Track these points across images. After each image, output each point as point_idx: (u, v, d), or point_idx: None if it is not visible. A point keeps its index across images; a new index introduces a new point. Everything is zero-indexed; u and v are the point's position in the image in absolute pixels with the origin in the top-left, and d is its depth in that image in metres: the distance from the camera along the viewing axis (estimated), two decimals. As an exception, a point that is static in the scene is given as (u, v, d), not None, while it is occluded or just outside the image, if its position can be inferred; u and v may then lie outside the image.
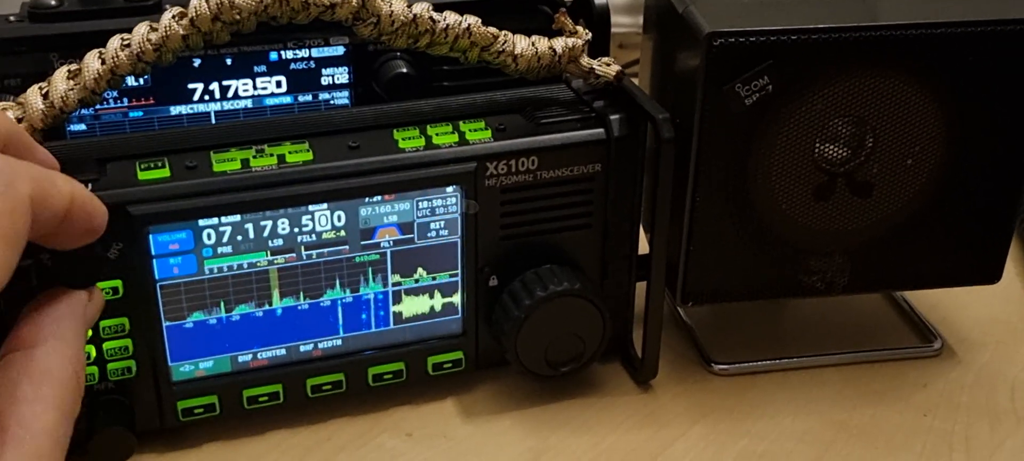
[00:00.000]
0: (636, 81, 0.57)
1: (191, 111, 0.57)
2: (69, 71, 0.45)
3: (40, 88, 0.44)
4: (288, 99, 0.59)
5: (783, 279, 0.54)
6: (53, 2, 0.54)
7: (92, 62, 0.44)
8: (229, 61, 0.57)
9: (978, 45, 0.49)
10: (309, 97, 0.59)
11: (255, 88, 0.58)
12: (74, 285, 0.45)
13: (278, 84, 0.58)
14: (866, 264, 0.54)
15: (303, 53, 0.58)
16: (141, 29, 0.45)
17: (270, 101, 0.58)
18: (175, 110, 0.57)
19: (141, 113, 0.56)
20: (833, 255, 0.53)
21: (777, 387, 0.55)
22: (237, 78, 0.57)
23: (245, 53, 0.57)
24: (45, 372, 0.35)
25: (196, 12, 0.45)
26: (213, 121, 0.58)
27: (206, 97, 0.57)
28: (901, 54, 0.49)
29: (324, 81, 0.59)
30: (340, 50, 0.58)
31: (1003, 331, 0.60)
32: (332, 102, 0.59)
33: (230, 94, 0.57)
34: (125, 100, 0.56)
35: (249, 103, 0.58)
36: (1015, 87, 0.50)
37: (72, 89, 0.44)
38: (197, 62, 0.56)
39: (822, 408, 0.54)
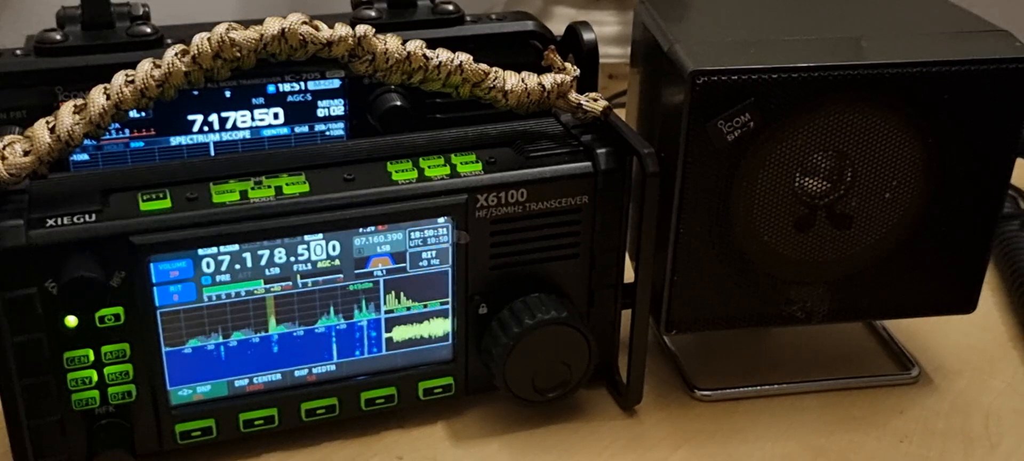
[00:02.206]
0: (623, 112, 0.59)
1: (191, 142, 0.59)
2: (75, 106, 0.46)
3: (47, 122, 0.46)
4: (285, 130, 0.60)
5: (765, 308, 0.55)
6: (58, 37, 0.55)
7: (98, 97, 0.46)
8: (228, 93, 0.58)
9: (954, 83, 0.51)
10: (305, 128, 0.61)
11: (253, 120, 0.59)
12: (78, 312, 0.46)
13: (275, 116, 0.60)
14: (845, 294, 0.55)
15: (300, 86, 0.60)
16: (145, 65, 0.46)
17: (267, 132, 0.60)
18: (175, 141, 0.59)
19: (142, 143, 0.58)
20: (813, 285, 0.55)
21: (758, 413, 0.57)
22: (235, 110, 0.59)
23: (243, 86, 0.59)
24: None
25: (198, 49, 0.46)
26: (212, 152, 0.59)
27: (205, 128, 0.59)
28: (879, 91, 0.50)
29: (320, 113, 0.60)
30: (336, 83, 0.60)
31: (979, 359, 0.61)
32: (328, 133, 0.61)
33: (229, 125, 0.59)
34: (127, 131, 0.58)
35: (247, 134, 0.60)
36: (989, 123, 0.52)
37: (78, 124, 0.46)
38: (197, 94, 0.58)
39: (802, 433, 0.55)
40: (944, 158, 0.53)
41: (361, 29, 0.48)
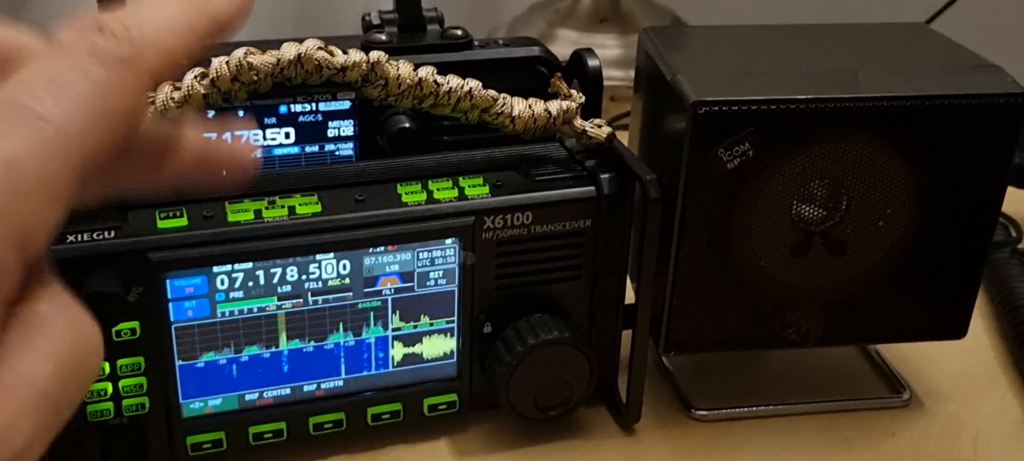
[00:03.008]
0: (625, 135, 0.61)
1: (204, 159, 0.60)
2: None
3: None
4: (295, 150, 0.62)
5: (761, 331, 0.57)
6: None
7: (118, 118, 0.47)
8: (240, 113, 0.60)
9: (946, 116, 0.52)
10: (316, 148, 0.62)
11: (264, 139, 0.61)
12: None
13: (286, 135, 0.61)
14: (840, 318, 0.57)
15: (311, 106, 0.61)
16: (165, 88, 0.48)
17: (278, 151, 0.61)
18: (189, 158, 0.60)
19: (156, 160, 0.59)
20: (809, 309, 0.57)
21: (754, 433, 0.58)
22: (248, 129, 0.60)
23: (256, 105, 0.60)
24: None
25: (217, 73, 0.48)
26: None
27: (218, 146, 0.60)
28: (874, 123, 0.52)
29: (330, 133, 0.62)
30: (346, 104, 0.62)
31: (969, 383, 0.63)
32: (337, 153, 0.62)
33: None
34: (142, 148, 0.59)
35: (259, 153, 0.61)
36: (980, 155, 0.53)
37: (99, 143, 0.47)
38: (211, 114, 0.59)
39: (796, 454, 0.57)
40: (936, 188, 0.54)
41: (374, 55, 0.50)
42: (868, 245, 0.55)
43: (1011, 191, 0.68)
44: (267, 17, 0.98)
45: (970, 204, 0.55)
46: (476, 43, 0.64)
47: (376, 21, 0.64)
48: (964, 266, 0.57)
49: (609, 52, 0.97)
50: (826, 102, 0.51)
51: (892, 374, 0.63)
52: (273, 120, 0.61)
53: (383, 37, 0.62)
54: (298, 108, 0.61)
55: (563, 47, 0.66)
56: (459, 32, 0.63)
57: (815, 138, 0.52)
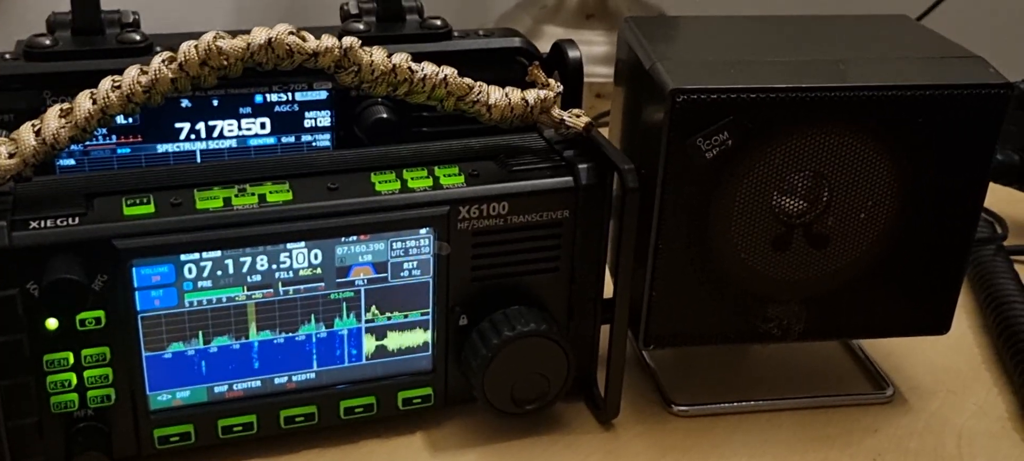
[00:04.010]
0: (607, 130, 0.60)
1: (177, 149, 0.59)
2: (61, 110, 0.47)
3: (32, 125, 0.46)
4: (272, 140, 0.61)
5: (742, 325, 0.56)
6: (48, 42, 0.56)
7: (84, 102, 0.46)
8: (215, 102, 0.59)
9: (928, 107, 0.52)
10: (292, 139, 0.61)
11: (240, 129, 0.60)
12: (59, 314, 0.47)
13: (262, 125, 0.60)
14: (821, 313, 0.56)
15: (287, 96, 0.60)
16: (132, 72, 0.47)
17: (254, 141, 0.60)
18: (162, 148, 0.59)
19: (129, 150, 0.59)
20: (790, 303, 0.56)
21: (734, 429, 0.57)
22: (223, 119, 0.59)
23: (231, 95, 0.59)
24: None
25: (185, 57, 0.47)
26: (198, 160, 0.60)
27: (192, 136, 0.59)
28: (856, 113, 0.51)
29: (307, 124, 0.61)
30: (323, 94, 0.61)
31: (952, 380, 0.62)
32: (314, 144, 0.62)
33: (215, 134, 0.60)
34: (113, 137, 0.58)
35: (234, 143, 0.60)
36: (963, 147, 0.53)
37: (64, 127, 0.46)
38: (185, 102, 0.59)
39: (777, 450, 0.56)
40: (919, 180, 0.53)
41: (347, 41, 0.49)
42: (850, 238, 0.55)
43: (997, 189, 0.67)
44: (250, 8, 0.98)
45: (953, 196, 0.54)
46: (456, 34, 0.63)
47: (354, 10, 0.63)
48: (947, 260, 0.56)
49: (596, 49, 0.96)
50: (807, 92, 0.51)
51: (875, 370, 0.62)
52: (248, 110, 0.60)
53: (361, 26, 0.62)
54: (274, 98, 0.60)
55: (549, 44, 0.65)
56: (438, 22, 0.63)
57: (796, 128, 0.51)
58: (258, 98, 0.60)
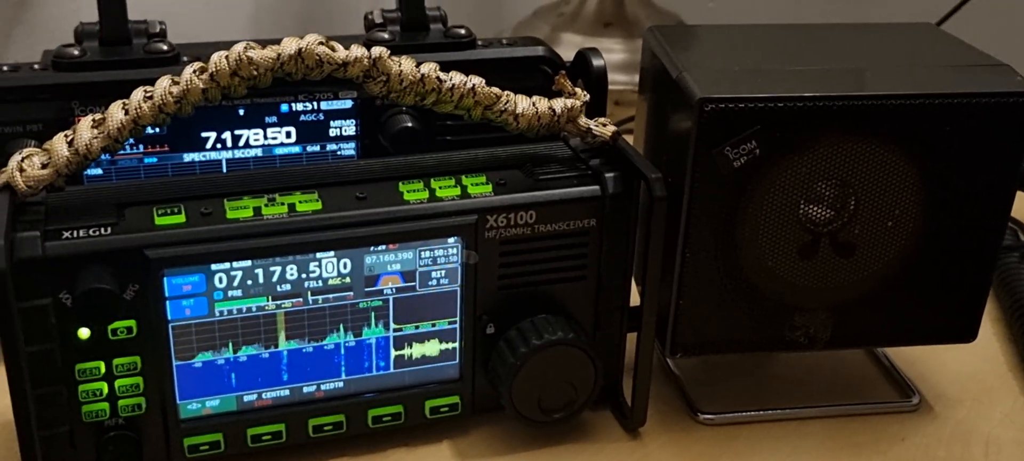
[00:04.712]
0: (631, 137, 0.60)
1: (203, 158, 0.60)
2: (94, 120, 0.47)
3: (65, 136, 0.47)
4: (297, 149, 0.61)
5: (768, 333, 0.56)
6: (76, 52, 0.56)
7: (116, 113, 0.47)
8: (241, 111, 0.59)
9: (955, 116, 0.52)
10: (317, 147, 0.61)
11: (265, 138, 0.60)
12: (91, 324, 0.47)
13: (288, 134, 0.61)
14: (848, 321, 0.56)
15: (312, 105, 0.60)
16: (164, 82, 0.47)
17: (279, 150, 0.61)
18: (188, 157, 0.59)
19: (156, 159, 0.59)
20: (816, 311, 0.56)
21: (761, 438, 0.57)
22: (248, 128, 0.60)
23: (257, 104, 0.59)
24: None
25: (216, 67, 0.47)
26: (224, 169, 0.60)
27: (218, 145, 0.60)
28: (882, 122, 0.51)
29: (332, 133, 0.61)
30: (348, 103, 0.61)
31: (979, 388, 0.62)
32: (339, 153, 0.62)
33: (241, 143, 0.60)
34: (141, 146, 0.58)
35: (259, 152, 0.60)
36: (990, 156, 0.53)
37: (96, 137, 0.46)
38: (211, 111, 0.59)
39: (804, 459, 0.56)
40: (945, 189, 0.53)
41: (376, 51, 0.49)
42: (876, 246, 0.54)
43: (1022, 196, 0.67)
44: (269, 17, 0.98)
45: (980, 205, 0.54)
46: (480, 42, 0.63)
47: (379, 20, 0.63)
48: (974, 268, 0.56)
49: (614, 56, 0.96)
50: (834, 101, 0.51)
51: (901, 378, 0.62)
52: (274, 119, 0.60)
53: (386, 35, 0.62)
54: (299, 107, 0.60)
55: (567, 51, 0.65)
56: (462, 31, 0.63)
57: (823, 137, 0.51)
58: (284, 107, 0.60)
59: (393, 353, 0.53)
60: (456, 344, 0.54)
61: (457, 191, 0.52)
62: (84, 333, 0.47)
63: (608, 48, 0.96)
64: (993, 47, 0.58)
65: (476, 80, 0.52)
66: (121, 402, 0.49)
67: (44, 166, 0.46)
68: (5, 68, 0.56)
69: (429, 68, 0.51)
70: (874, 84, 0.52)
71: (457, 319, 0.53)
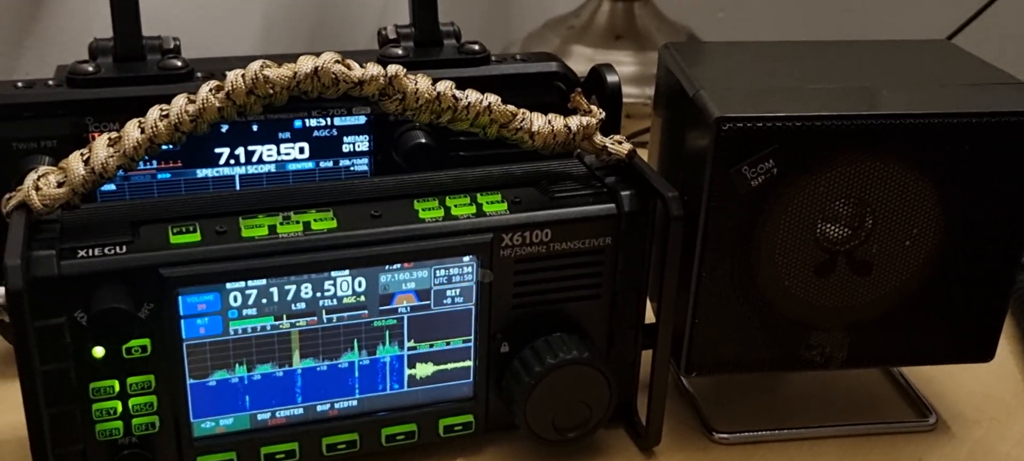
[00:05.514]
0: (644, 153, 0.60)
1: (217, 174, 0.59)
2: (110, 139, 0.47)
3: (82, 154, 0.47)
4: (310, 165, 0.61)
5: (784, 352, 0.56)
6: (90, 68, 0.56)
7: (132, 131, 0.47)
8: (255, 127, 0.59)
9: (973, 135, 0.51)
10: (330, 163, 0.61)
11: (279, 153, 0.60)
12: (106, 342, 0.47)
13: (301, 150, 0.60)
14: (864, 340, 0.56)
15: (326, 121, 0.60)
16: (180, 101, 0.47)
17: (293, 167, 0.61)
18: (202, 173, 0.59)
19: (169, 175, 0.59)
20: (833, 330, 0.55)
21: (776, 457, 0.57)
22: (262, 144, 0.60)
23: (270, 120, 0.59)
24: None
25: (232, 86, 0.47)
26: (238, 185, 0.60)
27: (231, 161, 0.59)
28: (900, 141, 0.51)
29: (345, 148, 0.61)
30: (361, 119, 0.61)
31: (996, 408, 0.62)
32: (352, 169, 0.62)
33: (255, 159, 0.60)
34: (154, 163, 0.58)
35: (272, 168, 0.60)
36: (1007, 174, 0.52)
37: (112, 156, 0.46)
38: (224, 128, 0.59)
39: (820, 479, 0.56)
40: (962, 208, 0.53)
41: (392, 69, 0.49)
42: (893, 265, 0.54)
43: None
44: (281, 32, 0.98)
45: (998, 224, 0.54)
46: (493, 58, 0.63)
47: (392, 35, 0.63)
48: (992, 287, 0.55)
49: (625, 69, 0.96)
50: (852, 120, 0.50)
51: (917, 397, 0.62)
52: (288, 135, 0.60)
53: (399, 52, 0.62)
54: (313, 123, 0.60)
55: (578, 64, 0.65)
56: (476, 47, 0.63)
57: (840, 156, 0.51)
58: (297, 123, 0.60)
59: (407, 372, 0.53)
60: (470, 363, 0.54)
61: (472, 209, 0.51)
62: (99, 352, 0.47)
63: (619, 61, 0.96)
64: (1002, 60, 0.57)
65: (492, 98, 0.51)
66: (135, 420, 0.49)
67: (60, 185, 0.46)
68: (20, 84, 0.56)
69: (445, 86, 0.50)
70: (892, 103, 0.52)
71: (471, 338, 0.53)
